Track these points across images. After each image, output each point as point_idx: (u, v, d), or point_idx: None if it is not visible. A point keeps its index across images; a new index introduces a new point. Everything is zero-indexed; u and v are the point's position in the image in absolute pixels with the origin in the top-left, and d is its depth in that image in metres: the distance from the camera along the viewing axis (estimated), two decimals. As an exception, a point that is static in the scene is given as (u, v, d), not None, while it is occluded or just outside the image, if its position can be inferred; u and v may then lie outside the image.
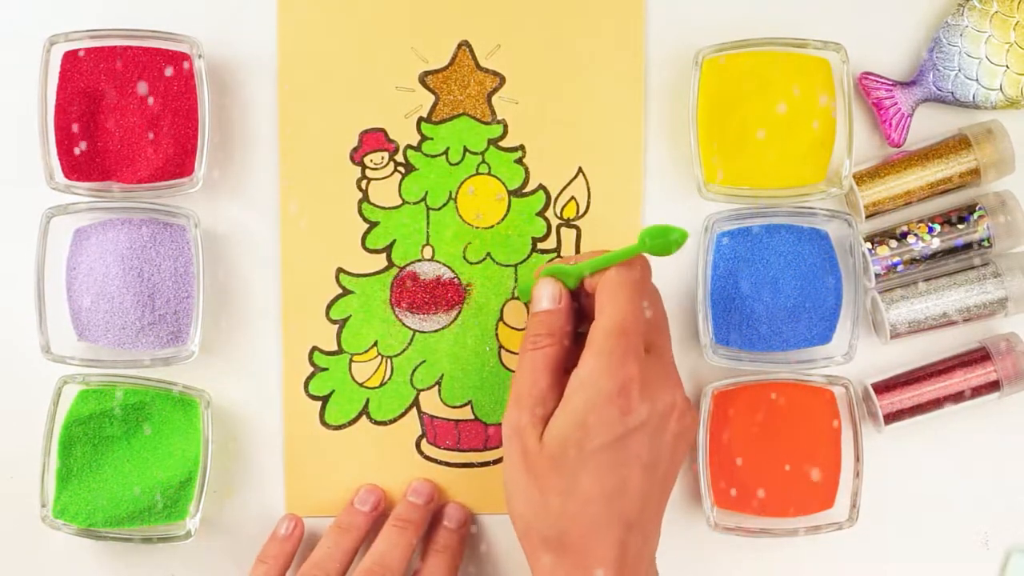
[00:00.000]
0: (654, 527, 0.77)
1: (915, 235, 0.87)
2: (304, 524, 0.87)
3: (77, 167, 0.84)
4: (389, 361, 0.88)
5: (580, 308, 0.81)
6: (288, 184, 0.87)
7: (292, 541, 0.86)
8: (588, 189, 0.88)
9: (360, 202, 0.87)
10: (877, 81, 0.87)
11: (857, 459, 0.87)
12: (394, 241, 0.87)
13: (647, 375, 0.75)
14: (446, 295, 0.88)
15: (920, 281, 0.88)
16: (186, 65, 0.84)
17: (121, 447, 0.86)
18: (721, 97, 0.86)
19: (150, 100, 0.84)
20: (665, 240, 0.75)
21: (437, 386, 0.88)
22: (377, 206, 0.87)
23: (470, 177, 0.87)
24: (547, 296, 0.79)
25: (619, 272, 0.76)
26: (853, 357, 0.86)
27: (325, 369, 0.88)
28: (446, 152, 0.87)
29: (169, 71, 0.84)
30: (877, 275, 0.87)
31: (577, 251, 0.88)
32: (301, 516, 0.87)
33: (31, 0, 0.86)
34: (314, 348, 0.87)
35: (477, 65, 0.87)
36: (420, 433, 0.88)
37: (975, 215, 0.87)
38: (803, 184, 0.86)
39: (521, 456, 0.75)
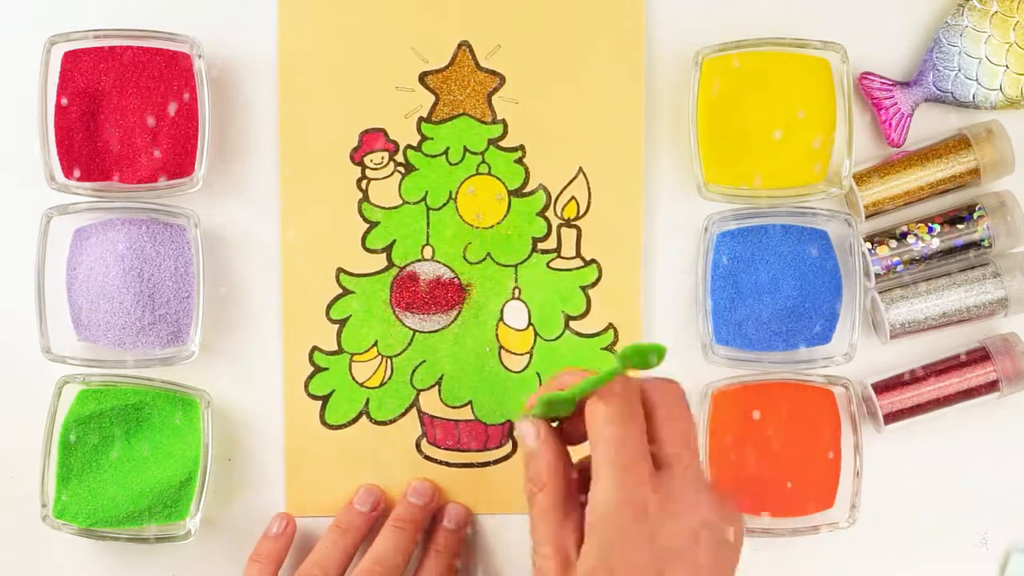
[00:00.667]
0: None
1: (915, 235, 0.87)
2: (296, 523, 0.87)
3: (77, 167, 0.84)
4: (389, 361, 0.88)
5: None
6: (288, 184, 0.87)
7: (284, 539, 0.86)
8: (588, 189, 0.88)
9: (360, 202, 0.87)
10: (877, 81, 0.87)
11: (857, 459, 0.87)
12: (394, 241, 0.87)
13: (663, 496, 0.69)
14: (446, 295, 0.88)
15: (920, 281, 0.88)
16: (187, 65, 0.84)
17: (121, 447, 0.86)
18: (721, 97, 0.86)
19: (150, 100, 0.84)
20: (644, 358, 0.68)
21: (437, 386, 0.88)
22: (377, 206, 0.87)
23: (470, 177, 0.87)
24: (527, 435, 0.72)
25: (598, 406, 0.70)
26: (853, 357, 0.86)
27: (325, 369, 0.88)
28: (446, 152, 0.87)
29: (170, 72, 0.84)
30: (877, 275, 0.87)
31: (578, 252, 0.88)
32: (301, 516, 0.87)
33: (31, 0, 0.86)
34: (314, 348, 0.87)
35: (477, 65, 0.87)
36: (420, 433, 0.88)
37: (975, 215, 0.87)
38: (803, 184, 0.86)
39: None
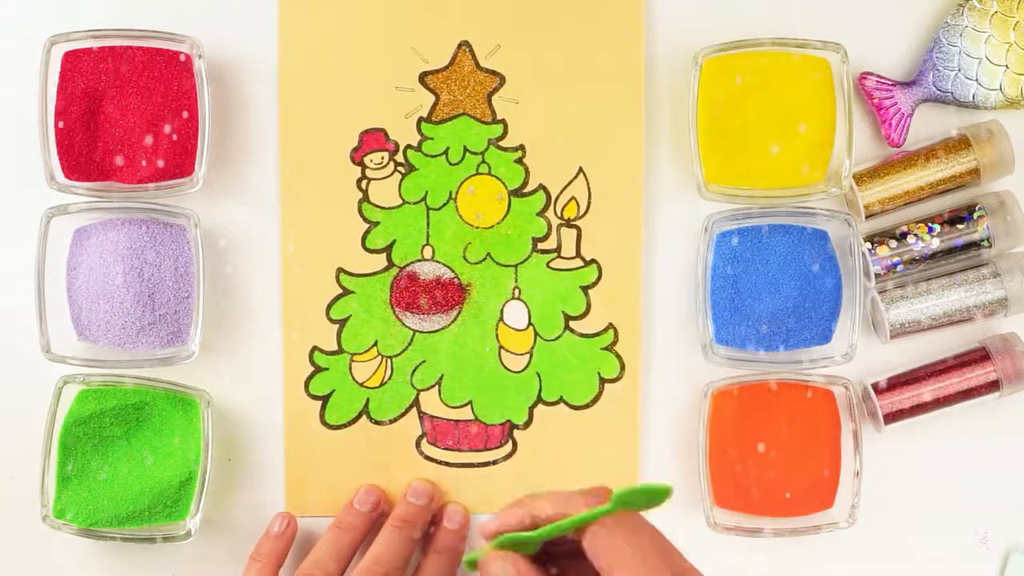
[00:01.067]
0: None
1: (915, 235, 0.87)
2: (297, 522, 0.87)
3: (77, 167, 0.84)
4: (389, 361, 0.88)
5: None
6: (288, 184, 0.87)
7: (285, 539, 0.86)
8: (588, 189, 0.87)
9: (360, 202, 0.87)
10: (877, 81, 0.87)
11: (857, 459, 0.87)
12: (394, 241, 0.87)
13: None
14: (446, 295, 0.88)
15: (920, 281, 0.88)
16: (186, 65, 0.84)
17: (121, 447, 0.86)
18: (721, 97, 0.86)
19: (150, 100, 0.84)
20: (645, 499, 0.63)
21: (437, 386, 0.88)
22: (377, 206, 0.87)
23: (470, 177, 0.87)
24: (498, 573, 0.65)
25: (610, 540, 0.64)
26: (853, 357, 0.86)
27: (325, 369, 0.88)
28: (446, 152, 0.87)
29: (170, 72, 0.84)
30: (877, 275, 0.87)
31: (578, 252, 0.88)
32: (301, 516, 0.87)
33: (31, 0, 0.86)
34: (314, 348, 0.87)
35: (477, 65, 0.87)
36: (420, 433, 0.88)
37: (975, 215, 0.87)
38: (803, 184, 0.86)
39: None
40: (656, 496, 0.63)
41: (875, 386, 0.88)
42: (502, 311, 0.88)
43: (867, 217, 0.87)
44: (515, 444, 0.88)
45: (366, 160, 0.87)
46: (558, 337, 0.88)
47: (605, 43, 0.87)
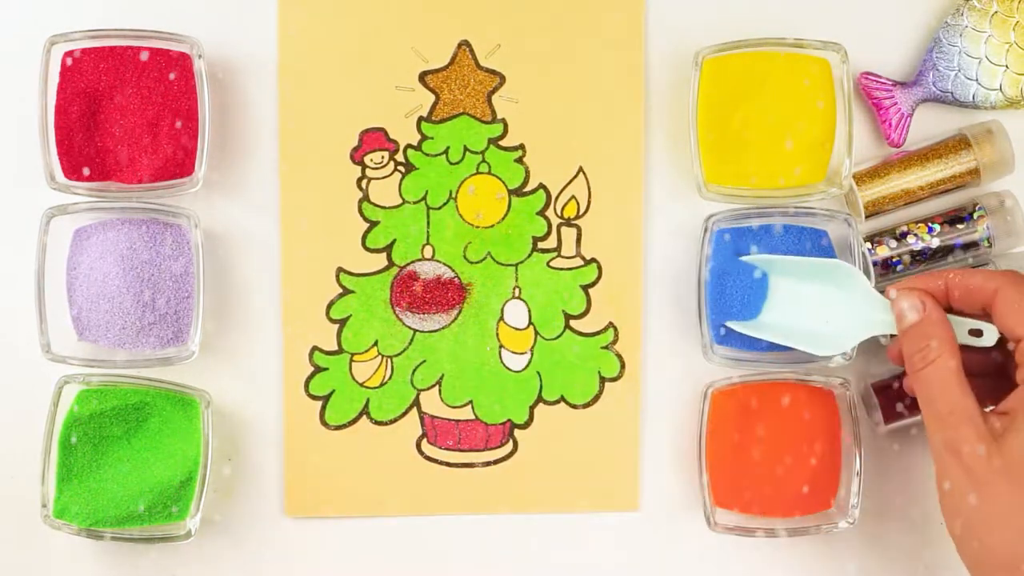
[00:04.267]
0: None
1: (915, 235, 0.87)
2: None
3: (77, 167, 0.84)
4: (389, 361, 0.88)
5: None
6: (288, 184, 0.87)
7: None
8: (588, 188, 0.88)
9: (360, 202, 0.87)
10: (877, 81, 0.87)
11: (857, 459, 0.87)
12: (394, 241, 0.87)
13: None
14: (446, 295, 0.88)
15: (920, 281, 0.88)
16: (187, 65, 0.84)
17: (121, 447, 0.86)
18: (721, 97, 0.86)
19: (150, 100, 0.84)
20: None
21: (437, 386, 0.88)
22: (377, 205, 0.87)
23: (470, 176, 0.87)
24: (908, 308, 0.76)
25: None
26: (853, 357, 0.86)
27: (325, 369, 0.88)
28: (446, 151, 0.87)
29: (170, 72, 0.84)
30: (877, 275, 0.87)
31: (578, 251, 0.88)
32: (301, 516, 0.87)
33: (31, 0, 0.86)
34: (314, 348, 0.87)
35: (477, 65, 0.87)
36: (420, 433, 0.88)
37: (975, 215, 0.87)
38: (803, 184, 0.86)
39: (967, 476, 0.71)
40: None
41: (875, 386, 0.88)
42: (502, 310, 0.88)
43: (867, 217, 0.87)
44: (516, 444, 0.88)
45: (366, 160, 0.87)
46: (558, 336, 0.88)
47: (605, 43, 0.87)
